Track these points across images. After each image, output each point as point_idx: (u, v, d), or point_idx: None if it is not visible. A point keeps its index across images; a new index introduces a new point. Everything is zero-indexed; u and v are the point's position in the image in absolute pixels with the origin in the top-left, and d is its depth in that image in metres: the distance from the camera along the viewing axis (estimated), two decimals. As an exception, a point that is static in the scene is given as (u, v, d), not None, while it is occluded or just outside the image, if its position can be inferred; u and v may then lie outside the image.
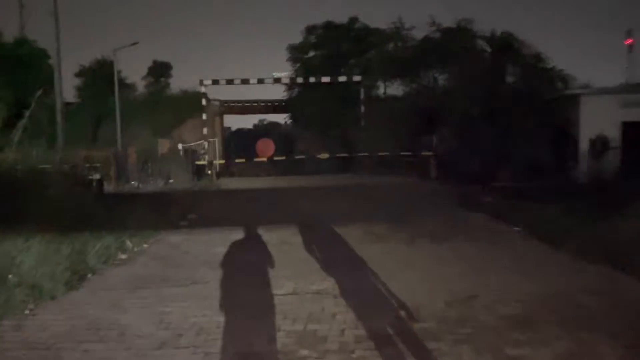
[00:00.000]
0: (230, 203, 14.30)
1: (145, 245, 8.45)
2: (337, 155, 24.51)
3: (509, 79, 22.70)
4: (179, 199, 14.60)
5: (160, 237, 9.23)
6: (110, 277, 6.54)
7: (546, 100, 20.88)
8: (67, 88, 40.62)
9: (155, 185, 20.43)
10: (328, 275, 6.16)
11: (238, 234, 9.26)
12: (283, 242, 8.37)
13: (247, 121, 40.81)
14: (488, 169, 17.78)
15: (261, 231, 9.52)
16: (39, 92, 14.98)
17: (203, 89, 26.78)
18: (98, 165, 18.86)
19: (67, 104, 35.99)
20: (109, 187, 18.23)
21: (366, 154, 23.65)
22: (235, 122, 41.95)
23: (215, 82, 26.92)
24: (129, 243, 8.21)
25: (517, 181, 16.74)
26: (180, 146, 23.82)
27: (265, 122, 48.08)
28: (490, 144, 19.05)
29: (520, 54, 23.15)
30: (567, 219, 8.57)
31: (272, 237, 8.87)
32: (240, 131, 47.31)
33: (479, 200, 12.27)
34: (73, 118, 32.08)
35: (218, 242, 8.70)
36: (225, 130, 41.52)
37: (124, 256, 7.65)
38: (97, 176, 18.41)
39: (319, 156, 24.59)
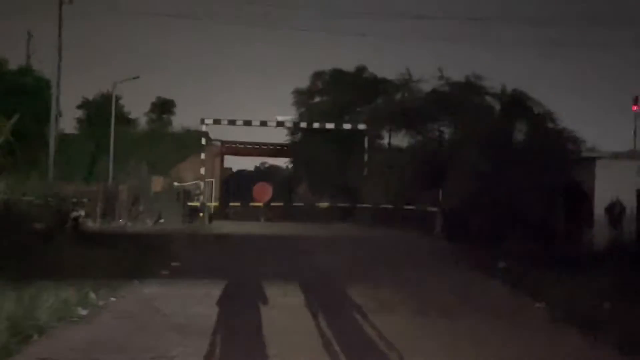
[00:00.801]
0: (219, 250, 13.21)
1: (112, 299, 7.32)
2: (338, 204, 23.54)
3: (519, 136, 21.97)
4: (166, 242, 13.50)
5: (134, 288, 8.11)
6: (58, 341, 5.41)
7: (558, 161, 20.08)
8: (69, 120, 40.12)
9: (144, 224, 19.34)
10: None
11: (222, 290, 8.15)
12: (273, 306, 7.25)
13: (250, 163, 40.22)
14: (497, 229, 16.78)
15: (249, 288, 8.42)
16: (16, 117, 14.11)
17: (204, 128, 26.10)
18: (84, 200, 17.87)
19: (66, 135, 35.50)
20: (94, 225, 17.16)
21: (368, 205, 22.69)
22: (238, 163, 41.20)
23: (216, 121, 26.28)
24: (92, 295, 7.09)
25: (528, 244, 15.68)
26: (174, 185, 22.89)
27: (266, 165, 47.34)
28: (500, 202, 18.11)
29: (530, 112, 22.52)
30: (597, 294, 7.49)
31: (261, 297, 7.76)
32: (242, 173, 46.43)
33: (492, 265, 11.17)
34: (72, 150, 31.37)
35: (198, 298, 7.60)
36: (226, 171, 40.70)
37: (84, 312, 6.52)
38: (81, 213, 17.41)
39: (318, 204, 23.64)
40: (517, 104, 22.81)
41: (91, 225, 17.02)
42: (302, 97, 30.50)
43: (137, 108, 38.95)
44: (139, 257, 10.37)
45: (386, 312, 7.03)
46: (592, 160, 17.84)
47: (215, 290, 8.15)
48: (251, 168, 42.56)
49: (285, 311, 6.96)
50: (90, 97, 36.16)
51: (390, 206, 21.77)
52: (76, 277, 7.94)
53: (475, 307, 7.56)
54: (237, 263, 11.23)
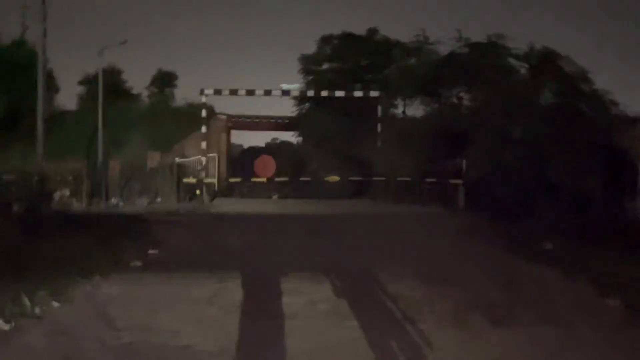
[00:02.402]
0: (213, 233, 11.44)
1: (55, 304, 5.60)
2: (350, 178, 21.65)
3: (550, 98, 19.86)
4: (151, 224, 11.80)
5: (89, 288, 6.39)
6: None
7: (595, 124, 18.02)
8: (70, 96, 38.67)
9: (138, 204, 17.69)
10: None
11: (203, 289, 6.41)
12: (262, 311, 5.50)
13: (260, 139, 38.32)
14: (528, 201, 14.89)
15: (238, 284, 6.67)
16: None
17: (204, 99, 24.19)
18: (70, 179, 16.24)
19: (66, 112, 33.97)
20: (79, 206, 15.53)
21: (383, 178, 20.78)
22: (248, 139, 39.33)
23: (217, 91, 24.35)
24: (26, 301, 5.37)
25: (564, 218, 13.76)
26: (175, 160, 21.11)
27: (277, 141, 45.52)
28: (530, 171, 16.17)
29: (562, 72, 20.35)
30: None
31: (254, 296, 6.03)
32: (252, 149, 44.69)
33: (535, 245, 9.32)
34: (71, 127, 29.84)
35: (168, 302, 5.88)
36: (236, 148, 39.04)
37: (5, 327, 4.81)
38: (65, 192, 15.80)
39: (327, 178, 21.77)
40: (546, 63, 20.68)
41: (76, 205, 15.40)
42: (309, 64, 28.42)
43: (141, 83, 37.39)
44: (112, 244, 8.69)
45: (416, 318, 5.23)
46: (637, 122, 15.79)
47: (192, 288, 6.43)
48: (262, 144, 40.84)
49: (285, 318, 5.19)
50: (92, 72, 34.53)
51: (407, 179, 19.88)
52: (22, 273, 6.31)
53: (531, 306, 5.74)
54: (231, 250, 9.46)
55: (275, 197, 24.00)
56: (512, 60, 23.51)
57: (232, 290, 6.42)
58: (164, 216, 13.80)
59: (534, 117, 17.88)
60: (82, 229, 9.89)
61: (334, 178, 21.45)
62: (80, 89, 35.13)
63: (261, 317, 5.41)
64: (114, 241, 8.95)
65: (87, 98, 34.86)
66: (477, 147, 18.04)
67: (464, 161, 17.84)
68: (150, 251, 8.49)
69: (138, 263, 7.75)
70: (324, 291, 6.39)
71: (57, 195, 15.58)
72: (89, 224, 10.93)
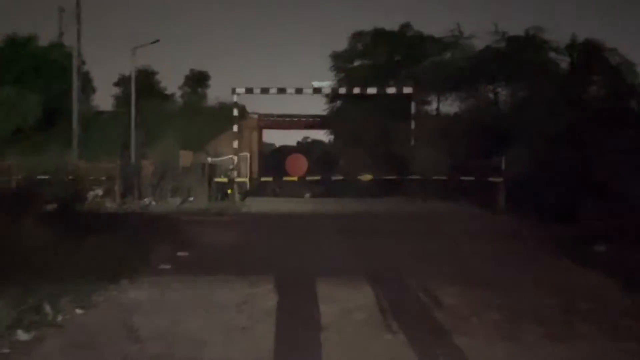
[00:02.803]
0: (244, 234, 11.13)
1: (78, 311, 5.35)
2: (384, 177, 21.09)
3: (595, 92, 18.91)
4: (182, 224, 11.59)
5: (115, 292, 6.13)
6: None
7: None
8: (106, 97, 39.27)
9: (171, 203, 17.60)
10: None
11: (232, 294, 6.09)
12: (295, 320, 5.13)
13: (291, 138, 38.06)
14: (573, 201, 14.10)
15: (269, 289, 6.31)
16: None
17: (235, 98, 24.02)
18: (103, 178, 16.23)
19: (101, 112, 34.45)
20: (112, 205, 15.50)
21: (418, 177, 20.16)
22: (280, 138, 39.11)
23: (249, 90, 24.13)
24: (47, 308, 5.13)
25: (612, 217, 12.94)
26: (208, 159, 20.96)
27: (308, 140, 45.28)
28: (575, 169, 15.34)
29: (607, 64, 19.37)
30: None
31: (286, 303, 5.67)
32: (284, 148, 44.64)
33: (588, 249, 8.68)
34: (107, 127, 30.19)
35: (196, 309, 5.56)
36: (268, 147, 38.88)
37: (25, 336, 4.56)
38: (98, 192, 15.80)
39: (360, 177, 21.25)
40: (590, 56, 19.72)
41: (109, 205, 15.37)
42: (341, 61, 27.93)
43: (175, 83, 37.69)
44: (141, 246, 8.46)
45: (460, 329, 4.76)
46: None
47: (222, 292, 6.12)
48: (293, 143, 40.66)
49: (321, 329, 4.80)
50: (127, 74, 34.95)
51: (443, 177, 19.22)
52: (47, 276, 6.10)
53: (590, 320, 5.19)
54: (264, 252, 9.13)
55: (307, 196, 23.65)
56: (553, 54, 22.63)
57: (263, 296, 6.07)
58: (195, 216, 13.61)
59: (578, 112, 17.01)
60: (112, 230, 9.70)
61: (367, 177, 20.92)
62: (116, 90, 35.61)
63: (294, 326, 5.04)
64: (143, 242, 8.73)
65: (122, 99, 35.32)
66: (517, 144, 17.28)
67: (503, 159, 17.09)
68: (180, 253, 8.23)
69: (167, 266, 7.49)
70: (360, 298, 5.97)
71: (90, 195, 15.59)
72: (119, 224, 10.78)
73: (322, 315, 5.33)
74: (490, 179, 16.90)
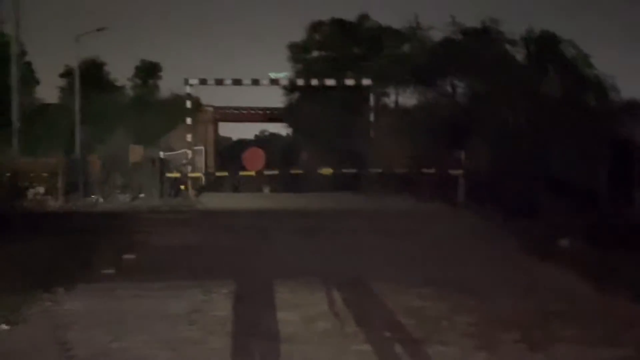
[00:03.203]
0: (197, 233, 10.47)
1: (3, 327, 4.67)
2: (344, 170, 20.72)
3: (551, 85, 19.04)
4: (131, 222, 10.84)
5: (49, 303, 5.45)
6: None
7: (599, 112, 17.29)
8: (51, 89, 37.32)
9: (120, 200, 16.68)
10: None
11: (183, 302, 5.52)
12: (252, 331, 4.61)
13: (249, 131, 37.13)
14: (532, 194, 14.10)
15: (225, 296, 5.78)
16: None
17: (188, 89, 23.07)
18: (45, 175, 15.17)
19: (47, 105, 32.71)
20: (54, 204, 14.50)
21: (378, 170, 19.87)
22: (237, 132, 38.14)
23: (202, 81, 23.18)
24: (-36, 327, 4.44)
25: (570, 211, 12.98)
26: (160, 154, 20.02)
27: (266, 133, 44.53)
28: (531, 162, 15.37)
29: (563, 57, 19.53)
30: None
31: (243, 311, 5.15)
32: (241, 142, 43.81)
33: (552, 245, 8.51)
34: (52, 121, 28.67)
35: (140, 321, 4.97)
36: (224, 141, 37.96)
37: None
38: (39, 189, 14.77)
39: (320, 171, 20.80)
40: (546, 48, 19.86)
41: (52, 204, 14.38)
42: (298, 52, 27.37)
43: (125, 74, 36.16)
44: (85, 248, 7.75)
45: (432, 337, 4.36)
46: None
47: (168, 302, 5.54)
48: (251, 137, 39.88)
49: (280, 342, 4.31)
50: (74, 65, 33.32)
51: (403, 171, 18.99)
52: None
53: (566, 326, 4.90)
54: (216, 254, 8.52)
55: (267, 190, 23.03)
56: (509, 46, 22.71)
57: (218, 304, 5.54)
58: (145, 214, 12.84)
59: (535, 106, 17.08)
60: (52, 230, 8.93)
61: (327, 170, 20.49)
62: (62, 82, 33.93)
63: (252, 338, 4.53)
64: (85, 244, 8.02)
65: (69, 90, 33.63)
66: (476, 137, 17.23)
67: (463, 152, 17.01)
68: (126, 256, 7.54)
69: (111, 270, 6.82)
70: (323, 304, 5.52)
71: (30, 193, 14.54)
72: (60, 224, 9.98)
73: (283, 324, 4.84)
74: (451, 171, 16.79)
